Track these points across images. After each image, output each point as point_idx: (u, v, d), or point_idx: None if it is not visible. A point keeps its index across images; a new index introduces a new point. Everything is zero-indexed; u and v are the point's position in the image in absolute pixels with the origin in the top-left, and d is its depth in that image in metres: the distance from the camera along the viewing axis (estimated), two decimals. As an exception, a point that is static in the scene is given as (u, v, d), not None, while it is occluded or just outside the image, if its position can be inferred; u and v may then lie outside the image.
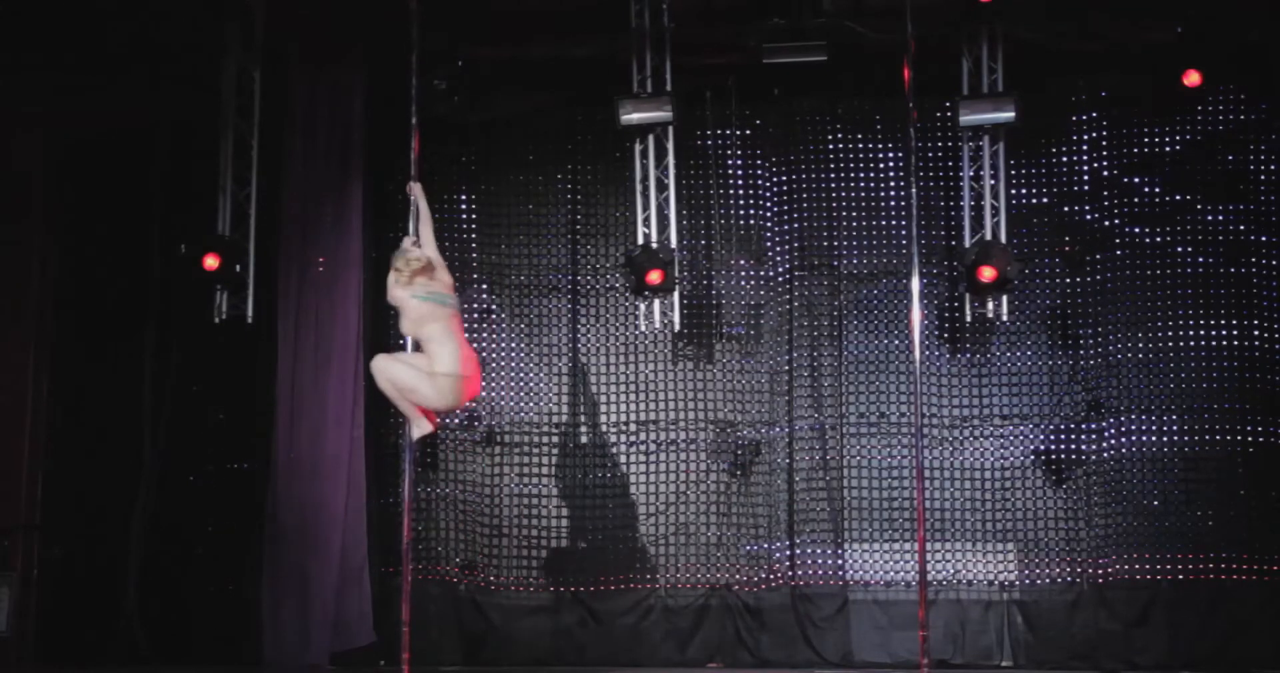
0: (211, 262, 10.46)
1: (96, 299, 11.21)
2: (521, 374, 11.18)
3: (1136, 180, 10.82)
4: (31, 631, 10.82)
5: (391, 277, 7.92)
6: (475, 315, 11.21)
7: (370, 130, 10.76)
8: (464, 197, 11.35)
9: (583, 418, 11.12)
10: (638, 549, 10.90)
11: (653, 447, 11.02)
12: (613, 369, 11.16)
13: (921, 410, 9.91)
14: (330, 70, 10.83)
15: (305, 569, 10.34)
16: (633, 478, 11.00)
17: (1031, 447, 10.72)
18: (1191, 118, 10.80)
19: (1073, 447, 10.68)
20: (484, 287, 11.27)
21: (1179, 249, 10.73)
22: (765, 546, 10.85)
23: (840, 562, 10.72)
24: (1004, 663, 10.41)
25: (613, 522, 10.95)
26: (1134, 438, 10.59)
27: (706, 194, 11.17)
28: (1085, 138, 10.91)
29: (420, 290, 7.88)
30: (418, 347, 7.98)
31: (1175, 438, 10.55)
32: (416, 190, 8.21)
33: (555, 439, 11.10)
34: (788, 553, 10.78)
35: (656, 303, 10.72)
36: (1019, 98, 10.28)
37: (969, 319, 10.65)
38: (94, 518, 10.98)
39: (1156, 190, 10.80)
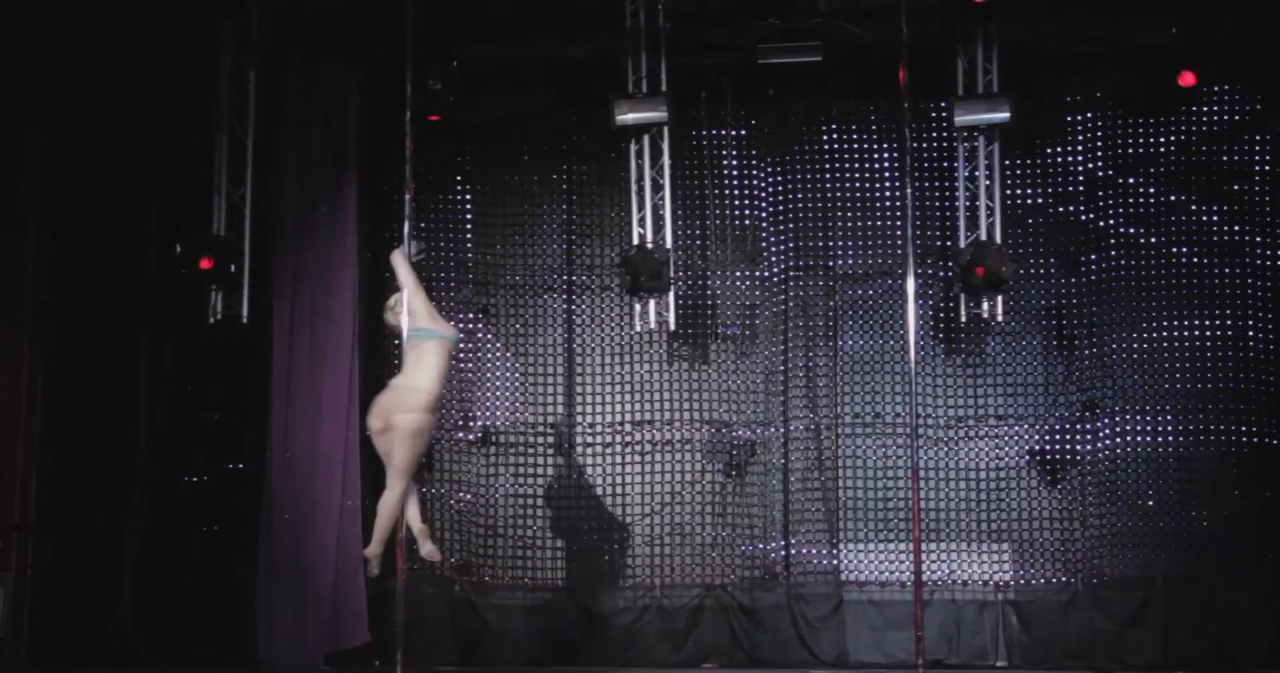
0: (206, 262, 10.45)
1: (91, 298, 11.20)
2: (517, 375, 11.17)
3: (1131, 180, 10.84)
4: (27, 631, 10.80)
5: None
6: (470, 315, 11.21)
7: (365, 130, 10.77)
8: (459, 197, 11.35)
9: (578, 418, 11.12)
10: (633, 549, 10.90)
11: (648, 447, 11.02)
12: (608, 369, 11.16)
13: (916, 411, 9.91)
14: (325, 70, 10.82)
15: (300, 569, 10.33)
16: (628, 478, 11.00)
17: (1026, 447, 10.73)
18: (1186, 118, 10.81)
19: (1068, 447, 10.69)
20: (479, 287, 11.26)
21: (1174, 249, 10.74)
22: (760, 546, 10.85)
23: (835, 562, 10.72)
24: (999, 663, 10.42)
25: (608, 522, 10.95)
26: (1129, 438, 10.60)
27: (702, 194, 11.17)
28: (1080, 138, 10.92)
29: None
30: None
31: (1170, 438, 10.56)
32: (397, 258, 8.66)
33: (550, 440, 11.09)
34: (783, 553, 10.79)
35: (652, 303, 10.71)
36: (1014, 98, 10.29)
37: (964, 319, 10.65)
38: (89, 518, 10.96)
39: (1151, 190, 10.81)
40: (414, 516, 8.61)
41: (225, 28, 10.59)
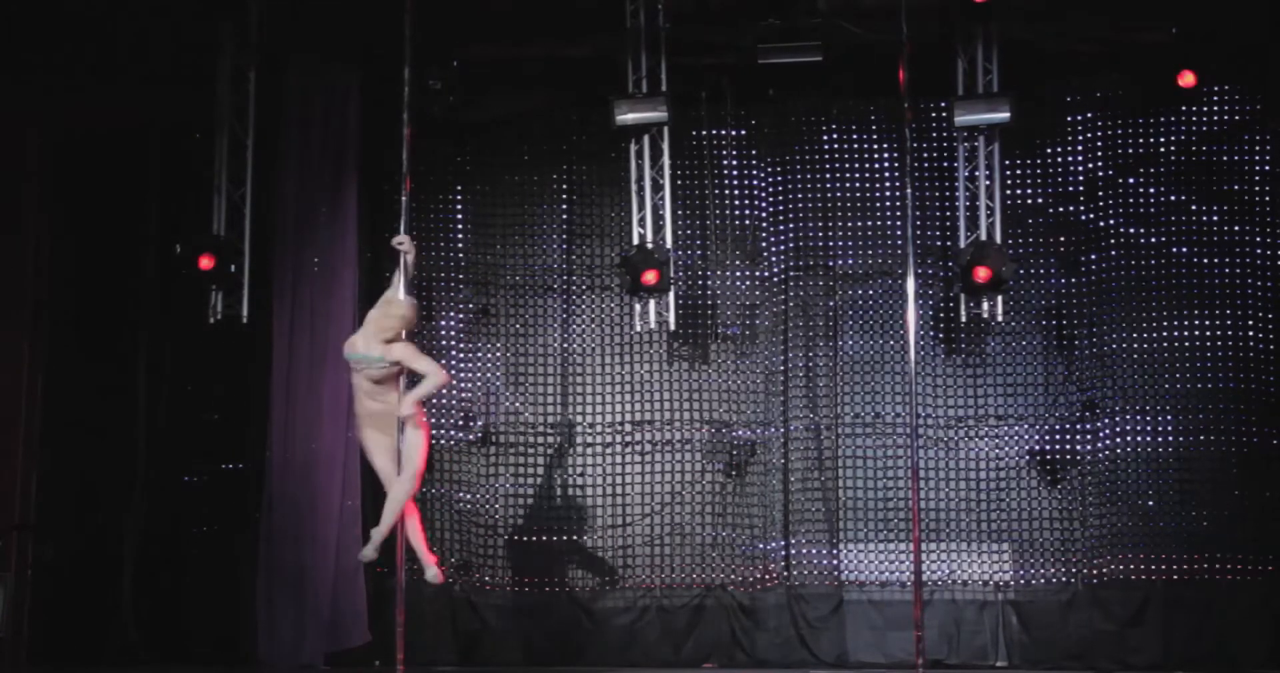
0: (206, 262, 10.45)
1: (91, 299, 11.20)
2: (517, 375, 11.17)
3: (1131, 180, 10.84)
4: (27, 631, 10.80)
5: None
6: (470, 316, 11.22)
7: (365, 130, 10.76)
8: (458, 197, 11.35)
9: (578, 418, 11.12)
10: (633, 549, 10.90)
11: (648, 447, 11.02)
12: (608, 369, 11.16)
13: (916, 411, 9.92)
14: (325, 70, 10.83)
15: (300, 569, 10.34)
16: (628, 478, 11.00)
17: (1026, 447, 10.73)
18: (1186, 118, 10.81)
19: (1068, 447, 10.68)
20: (479, 287, 11.26)
21: (1173, 249, 10.74)
22: (761, 546, 10.85)
23: (835, 562, 10.72)
24: (999, 663, 10.42)
25: (608, 522, 10.95)
26: (1129, 438, 10.60)
27: (702, 194, 11.17)
28: (1080, 138, 10.92)
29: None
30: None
31: (1170, 438, 10.56)
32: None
33: (550, 439, 11.09)
34: (783, 553, 10.79)
35: (652, 303, 10.71)
36: (1014, 98, 10.29)
37: (964, 319, 10.65)
38: (89, 518, 10.96)
39: (1151, 190, 10.81)
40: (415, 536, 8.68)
41: (225, 28, 10.60)
